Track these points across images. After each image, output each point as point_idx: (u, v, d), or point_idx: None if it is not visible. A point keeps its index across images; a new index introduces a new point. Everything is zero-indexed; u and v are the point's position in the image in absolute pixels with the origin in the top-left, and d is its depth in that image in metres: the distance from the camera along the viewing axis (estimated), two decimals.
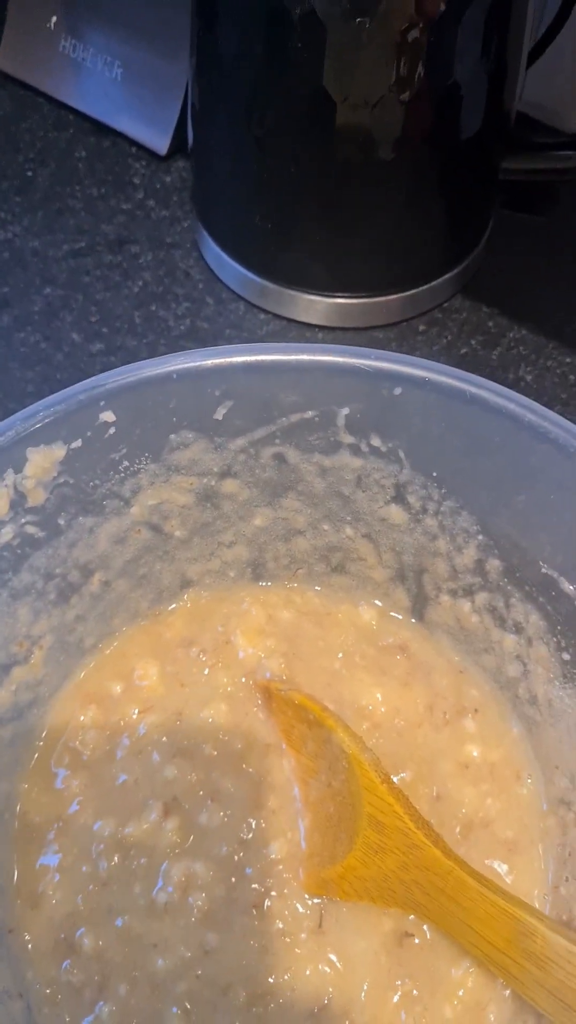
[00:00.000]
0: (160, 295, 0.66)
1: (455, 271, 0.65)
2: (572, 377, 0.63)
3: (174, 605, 0.49)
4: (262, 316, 0.65)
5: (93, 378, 0.41)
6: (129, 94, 0.73)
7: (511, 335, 0.65)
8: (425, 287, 0.64)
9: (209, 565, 0.49)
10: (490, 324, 0.65)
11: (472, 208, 0.64)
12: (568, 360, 0.64)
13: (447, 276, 0.65)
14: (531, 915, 0.34)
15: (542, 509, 0.41)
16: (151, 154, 0.74)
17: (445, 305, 0.66)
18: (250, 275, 0.65)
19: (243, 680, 0.47)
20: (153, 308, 0.66)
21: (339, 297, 0.63)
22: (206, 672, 0.47)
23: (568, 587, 0.41)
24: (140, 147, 0.74)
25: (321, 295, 0.63)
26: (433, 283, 0.64)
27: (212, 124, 0.63)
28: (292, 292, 0.64)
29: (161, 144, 0.73)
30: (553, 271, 0.67)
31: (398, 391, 0.42)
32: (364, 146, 0.56)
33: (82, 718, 0.46)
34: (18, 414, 0.40)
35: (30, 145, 0.75)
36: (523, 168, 0.63)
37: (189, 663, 0.47)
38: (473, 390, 0.41)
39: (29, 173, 0.73)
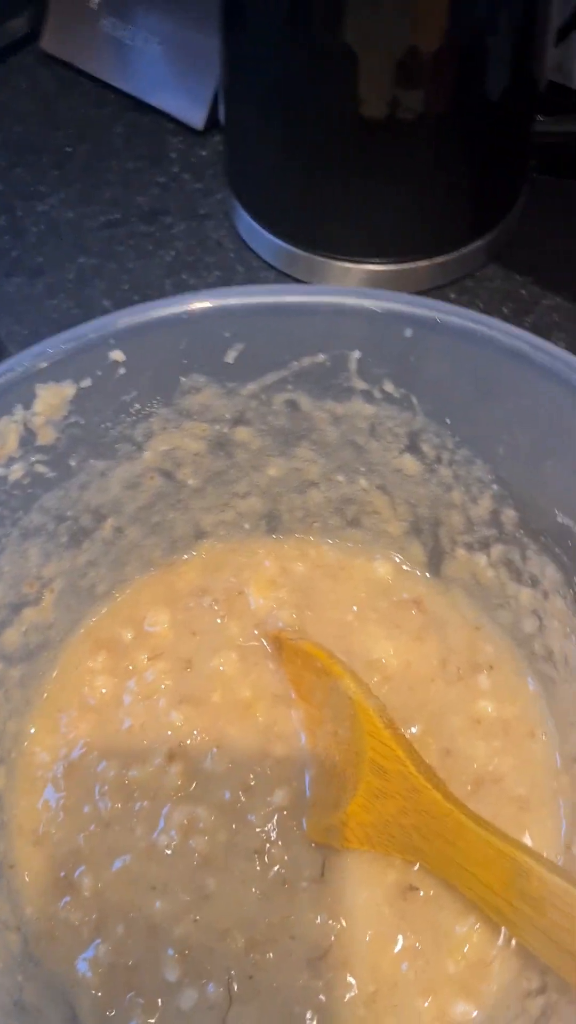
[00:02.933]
0: (191, 264, 0.67)
1: (487, 238, 0.64)
2: None
3: (187, 555, 0.49)
4: (292, 285, 0.65)
5: (103, 317, 0.41)
6: (167, 70, 0.74)
7: (544, 303, 0.63)
8: (456, 253, 0.63)
9: (223, 516, 0.48)
10: (523, 292, 0.64)
11: (504, 171, 0.63)
12: None
13: (478, 243, 0.64)
14: (528, 856, 0.33)
15: (557, 455, 0.40)
16: (188, 129, 0.75)
17: (477, 274, 0.65)
18: (281, 243, 0.65)
19: (254, 631, 0.47)
20: (184, 276, 0.66)
21: (368, 263, 0.63)
22: (218, 622, 0.47)
23: None
24: (178, 123, 0.75)
25: (350, 261, 0.63)
26: (464, 249, 0.63)
27: (241, 94, 0.63)
28: (321, 259, 0.63)
29: (198, 118, 0.73)
30: None
31: (408, 333, 0.41)
32: (390, 104, 0.55)
33: (91, 663, 0.46)
34: (27, 351, 0.40)
35: (69, 122, 0.76)
36: (557, 131, 0.61)
37: (201, 612, 0.47)
38: (485, 330, 0.40)
39: (68, 149, 0.75)
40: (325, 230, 0.63)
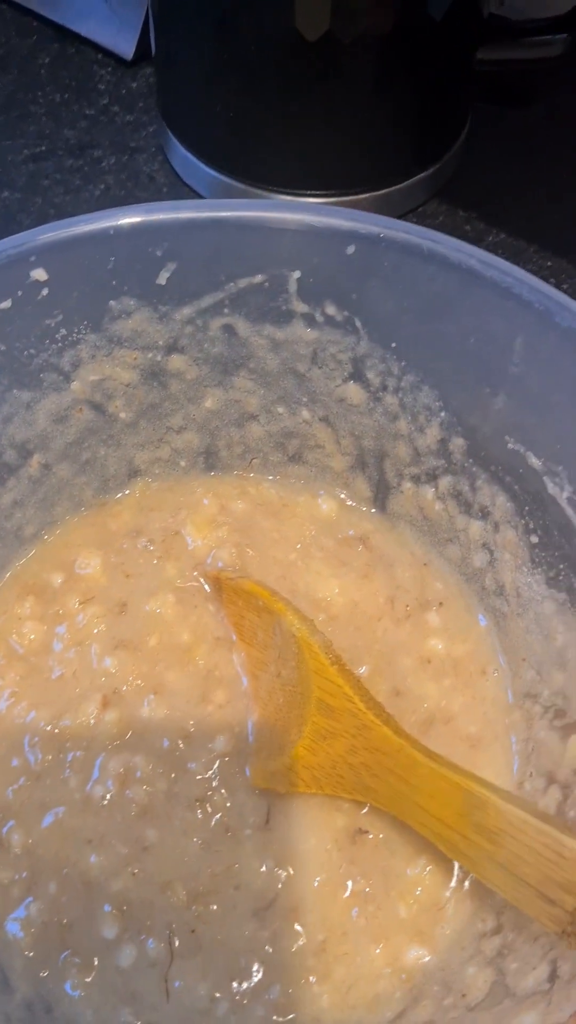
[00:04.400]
0: (123, 199, 0.63)
1: (430, 171, 0.62)
2: (552, 280, 0.59)
3: (121, 495, 0.46)
4: (227, 200, 0.62)
5: (22, 233, 0.38)
6: None
7: (489, 239, 0.62)
8: (398, 187, 0.61)
9: (158, 452, 0.46)
10: (467, 228, 0.62)
11: (447, 102, 0.61)
12: (549, 263, 0.60)
13: (421, 176, 0.61)
14: (483, 787, 0.31)
15: (507, 377, 0.38)
16: (118, 60, 0.71)
17: (420, 209, 0.63)
18: (217, 175, 0.62)
19: (193, 572, 0.44)
20: None
21: (308, 196, 0.60)
22: (154, 563, 0.44)
23: (535, 461, 0.38)
24: (106, 53, 0.71)
25: (289, 194, 0.60)
26: (406, 182, 0.61)
27: (172, 21, 0.59)
28: (259, 191, 0.61)
29: (127, 49, 0.70)
30: (532, 173, 0.64)
31: (351, 249, 0.39)
32: (329, 29, 0.52)
33: (18, 609, 0.43)
34: None
35: None
36: (499, 58, 0.59)
37: (136, 554, 0.45)
38: (430, 245, 0.38)
39: None
40: (262, 161, 0.60)
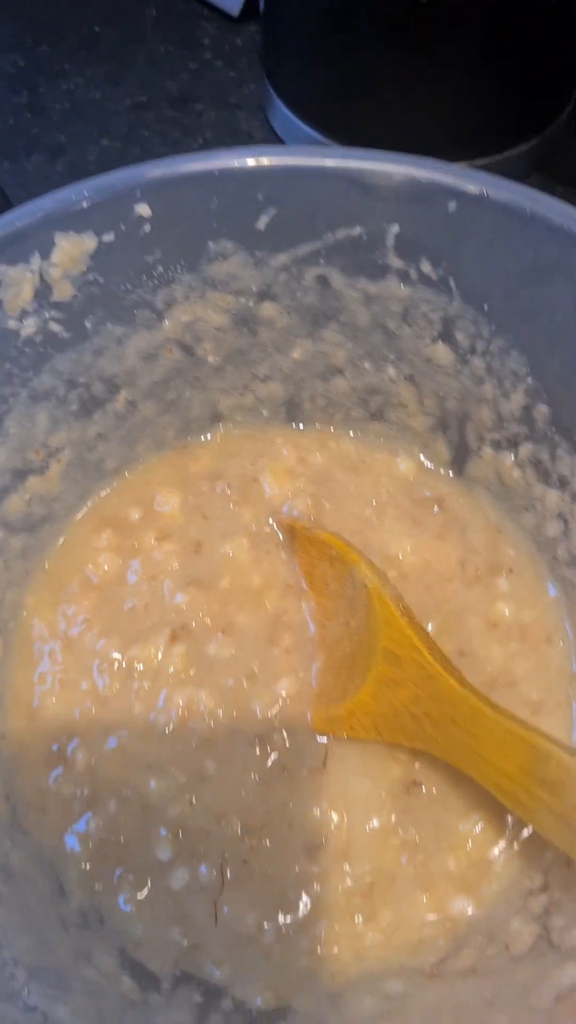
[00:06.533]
0: None
1: (531, 143, 0.61)
2: None
3: (203, 438, 0.47)
4: (332, 147, 0.62)
5: (131, 167, 0.38)
6: None
7: None
8: (498, 156, 0.60)
9: (242, 400, 0.46)
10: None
11: (552, 74, 0.60)
12: None
13: (521, 147, 0.61)
14: (547, 740, 0.32)
15: None
16: (223, 16, 0.71)
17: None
18: (316, 135, 0.62)
19: (268, 519, 0.45)
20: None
21: None
22: (231, 507, 0.45)
23: None
24: (212, 8, 0.71)
25: None
26: (506, 153, 0.60)
27: None
28: None
29: (234, 5, 0.70)
30: None
31: (452, 206, 0.39)
32: None
33: (96, 540, 0.44)
34: (48, 195, 0.38)
35: (99, 2, 0.73)
36: None
37: (213, 497, 0.45)
38: (534, 207, 0.38)
39: (97, 29, 0.71)
40: (363, 123, 0.60)
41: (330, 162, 0.39)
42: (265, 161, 0.39)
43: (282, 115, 0.64)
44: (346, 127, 0.61)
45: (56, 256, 0.38)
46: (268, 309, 0.43)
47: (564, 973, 0.31)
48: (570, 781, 0.30)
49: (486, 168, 0.61)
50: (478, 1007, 0.32)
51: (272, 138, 0.65)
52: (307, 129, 0.62)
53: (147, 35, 0.71)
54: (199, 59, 0.69)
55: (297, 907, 0.37)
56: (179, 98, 0.67)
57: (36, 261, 0.38)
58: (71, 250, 0.38)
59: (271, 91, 0.64)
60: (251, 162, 0.39)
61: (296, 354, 0.45)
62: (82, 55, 0.69)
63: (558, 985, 0.31)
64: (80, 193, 0.38)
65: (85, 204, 0.38)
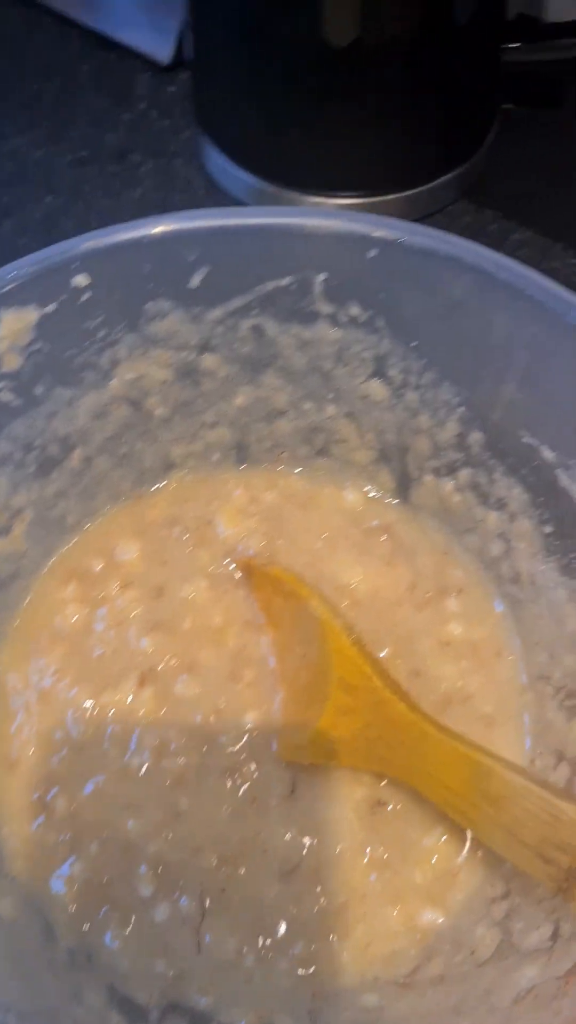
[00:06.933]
0: (160, 201, 0.66)
1: (457, 171, 0.63)
2: None
3: (157, 486, 0.49)
4: (256, 207, 0.64)
5: (66, 241, 0.41)
6: (133, 5, 0.72)
7: (516, 236, 0.63)
8: (427, 187, 0.63)
9: (192, 447, 0.48)
10: (494, 227, 0.64)
11: (474, 103, 0.63)
12: (574, 260, 0.62)
13: (449, 176, 0.63)
14: (488, 757, 0.34)
15: (522, 374, 0.40)
16: (156, 65, 0.73)
17: (448, 209, 0.65)
18: (250, 179, 0.64)
19: (225, 559, 0.47)
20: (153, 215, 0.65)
21: (339, 198, 0.62)
22: (188, 551, 0.47)
23: (549, 454, 0.40)
24: (145, 59, 0.74)
25: (321, 195, 0.62)
26: (435, 183, 0.63)
27: (207, 27, 0.62)
28: (291, 193, 0.63)
29: (164, 54, 0.72)
30: (559, 173, 0.66)
31: (373, 253, 0.41)
32: (358, 34, 0.54)
33: (62, 593, 0.46)
34: None
35: (36, 61, 0.75)
36: (527, 60, 0.61)
37: (171, 542, 0.47)
38: (448, 249, 0.40)
39: (35, 87, 0.73)
40: (294, 165, 0.62)
41: (253, 220, 0.42)
42: (192, 224, 0.41)
43: (216, 161, 0.66)
44: (279, 169, 0.63)
45: (1, 330, 0.40)
46: (209, 360, 0.45)
47: (522, 975, 0.33)
48: (511, 795, 0.32)
49: (417, 197, 0.64)
50: (445, 1013, 0.34)
51: (209, 184, 0.67)
52: (241, 173, 0.64)
53: (85, 88, 0.73)
54: (135, 110, 0.72)
55: (276, 930, 0.39)
56: (118, 151, 0.69)
57: None
58: (15, 324, 0.40)
59: (204, 138, 0.66)
60: (179, 226, 0.41)
61: (239, 400, 0.47)
62: (24, 116, 0.72)
63: (517, 987, 0.33)
64: (20, 268, 0.40)
65: (25, 279, 0.40)
